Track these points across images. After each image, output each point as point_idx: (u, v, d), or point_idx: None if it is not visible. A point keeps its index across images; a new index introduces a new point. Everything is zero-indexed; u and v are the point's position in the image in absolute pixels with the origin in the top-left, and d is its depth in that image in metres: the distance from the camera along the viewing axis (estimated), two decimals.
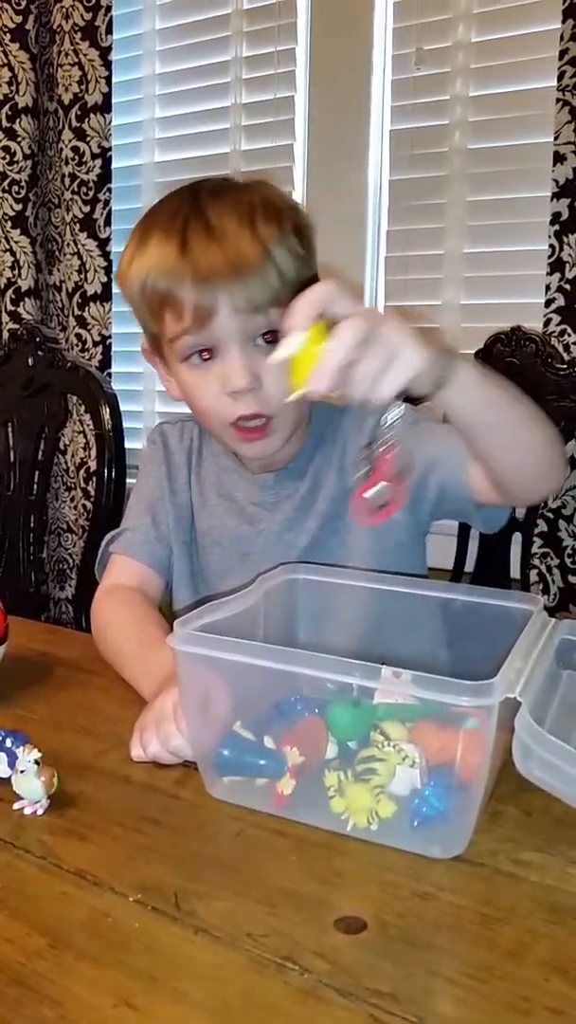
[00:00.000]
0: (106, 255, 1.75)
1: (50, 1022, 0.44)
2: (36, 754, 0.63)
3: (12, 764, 0.64)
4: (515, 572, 1.20)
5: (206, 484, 0.96)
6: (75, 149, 1.75)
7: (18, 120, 1.78)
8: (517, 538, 1.19)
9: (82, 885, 0.55)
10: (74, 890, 0.54)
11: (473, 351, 1.18)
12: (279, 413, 0.84)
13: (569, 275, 1.27)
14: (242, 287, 0.80)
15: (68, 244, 1.79)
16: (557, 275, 1.28)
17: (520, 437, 0.73)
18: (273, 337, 0.82)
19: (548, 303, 1.29)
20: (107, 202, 1.74)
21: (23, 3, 1.75)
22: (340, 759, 0.62)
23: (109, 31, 1.69)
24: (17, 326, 1.78)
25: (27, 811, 0.62)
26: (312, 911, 0.52)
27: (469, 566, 1.21)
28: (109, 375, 1.77)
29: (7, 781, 0.64)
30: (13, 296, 1.83)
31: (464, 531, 1.21)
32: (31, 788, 0.62)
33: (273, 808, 0.62)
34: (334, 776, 0.60)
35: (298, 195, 1.63)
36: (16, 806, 0.63)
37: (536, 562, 1.28)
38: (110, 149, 1.73)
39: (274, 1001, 0.45)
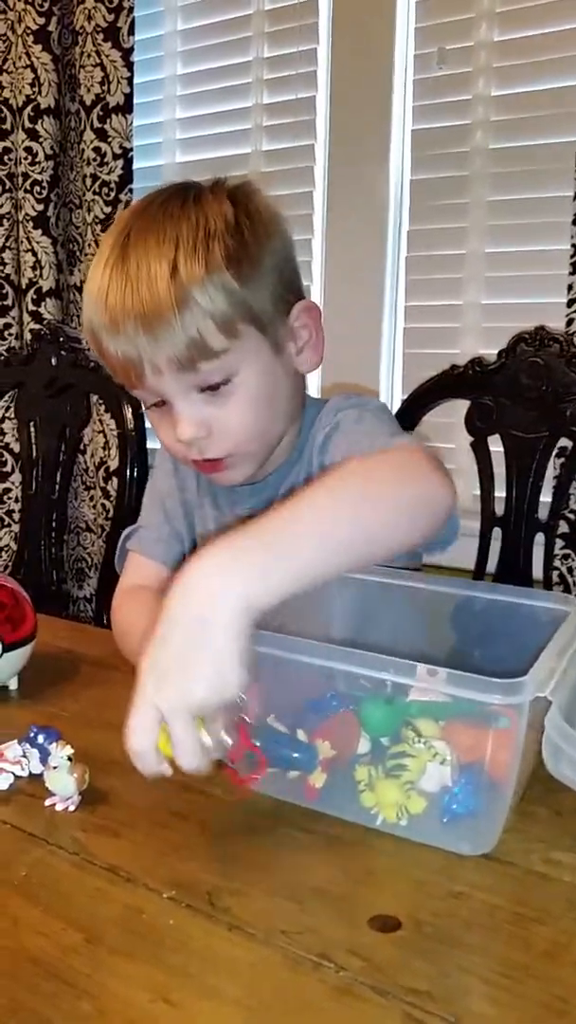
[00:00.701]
0: None
1: (87, 1016, 0.44)
2: (68, 750, 0.63)
3: (45, 760, 0.65)
4: (537, 573, 1.19)
5: (202, 487, 0.96)
6: (96, 150, 1.75)
7: (40, 121, 1.79)
8: (540, 539, 1.19)
9: (115, 881, 0.55)
10: (107, 886, 0.55)
11: (496, 351, 1.17)
12: (238, 451, 0.82)
13: None
14: (157, 347, 0.75)
15: (89, 244, 1.79)
16: None
17: (397, 522, 0.65)
18: (217, 386, 0.78)
19: (571, 303, 1.29)
20: (128, 203, 1.74)
21: (46, 5, 1.76)
22: (372, 755, 0.62)
23: (131, 32, 1.70)
24: (39, 326, 1.80)
25: (59, 807, 0.63)
26: (345, 909, 0.52)
27: (491, 567, 1.21)
28: None
29: (39, 777, 0.65)
30: (35, 296, 1.84)
31: (486, 532, 1.21)
32: (64, 784, 0.62)
33: (304, 801, 0.62)
34: (364, 771, 0.60)
35: (319, 195, 1.63)
36: (48, 802, 0.63)
37: (558, 563, 1.27)
38: (131, 150, 1.74)
39: (310, 999, 0.45)
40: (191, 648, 0.55)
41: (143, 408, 0.85)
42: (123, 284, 0.75)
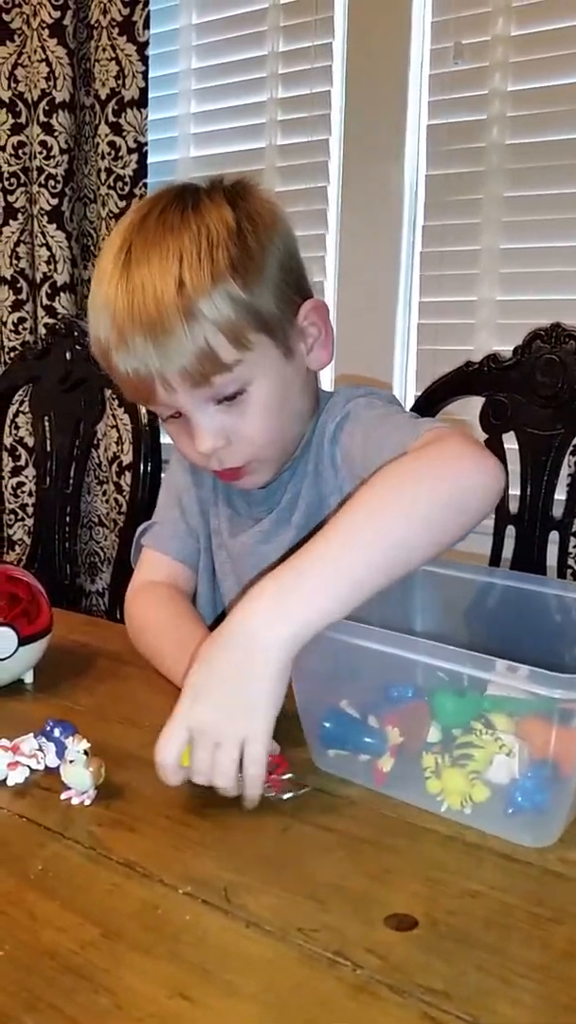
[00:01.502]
0: None
1: (105, 1011, 0.44)
2: (85, 744, 0.63)
3: (61, 754, 0.65)
4: (551, 571, 1.19)
5: (218, 485, 0.96)
6: (111, 144, 1.75)
7: (55, 115, 1.79)
8: (554, 537, 1.18)
9: (132, 876, 0.55)
10: (124, 881, 0.55)
11: (511, 348, 1.17)
12: (257, 458, 0.83)
13: None
14: (168, 363, 0.75)
15: (103, 239, 1.79)
16: None
17: (420, 533, 0.66)
18: (233, 396, 0.78)
19: None
20: (143, 197, 1.74)
21: None
22: (442, 744, 0.63)
23: (146, 26, 1.69)
24: (53, 320, 1.80)
25: (75, 801, 0.63)
26: (362, 907, 0.52)
27: (504, 565, 1.20)
28: None
29: (55, 771, 0.65)
30: (49, 291, 1.84)
31: (500, 529, 1.21)
32: (80, 778, 0.62)
33: (374, 784, 0.64)
34: (431, 758, 0.61)
35: (333, 190, 1.63)
36: (64, 796, 0.64)
37: (572, 561, 1.27)
38: (146, 144, 1.74)
39: (327, 996, 0.45)
40: (232, 678, 0.61)
41: (159, 421, 0.85)
42: (129, 303, 0.75)
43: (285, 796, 0.64)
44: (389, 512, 0.65)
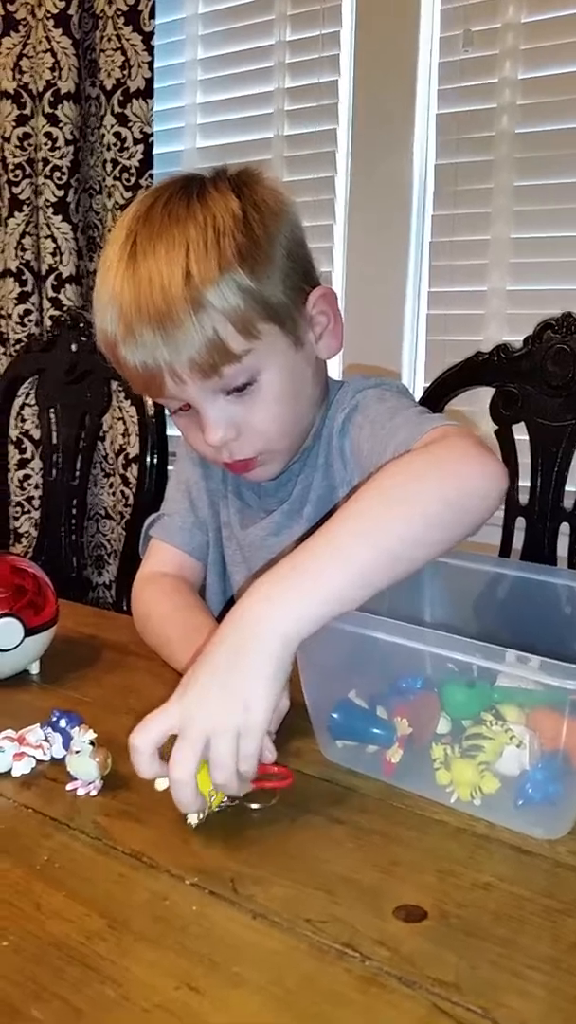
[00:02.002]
0: None
1: (112, 1002, 0.44)
2: (91, 735, 0.63)
3: (67, 744, 0.65)
4: (562, 563, 1.18)
5: (228, 477, 0.95)
6: (117, 135, 1.74)
7: (60, 106, 1.78)
8: (564, 528, 1.18)
9: (138, 867, 0.55)
10: (131, 872, 0.54)
11: (521, 337, 1.16)
12: (268, 449, 0.82)
13: None
14: (177, 354, 0.74)
15: (109, 230, 1.79)
16: None
17: (422, 532, 0.64)
18: (243, 387, 0.77)
19: None
20: (148, 188, 1.73)
21: None
22: (451, 735, 0.63)
23: (152, 16, 1.68)
24: (59, 312, 1.79)
25: (81, 792, 0.63)
26: (371, 899, 0.51)
27: (514, 556, 1.20)
28: None
29: (61, 762, 0.65)
30: (55, 282, 1.83)
31: (510, 520, 1.20)
32: (86, 768, 0.62)
33: (383, 775, 0.64)
34: (441, 749, 0.61)
35: (341, 180, 1.62)
36: (70, 787, 0.63)
37: None
38: (152, 135, 1.73)
39: (336, 988, 0.45)
40: (226, 668, 0.59)
41: (168, 414, 0.84)
42: (136, 295, 0.74)
43: (254, 805, 0.61)
44: (392, 510, 0.64)
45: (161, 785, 0.58)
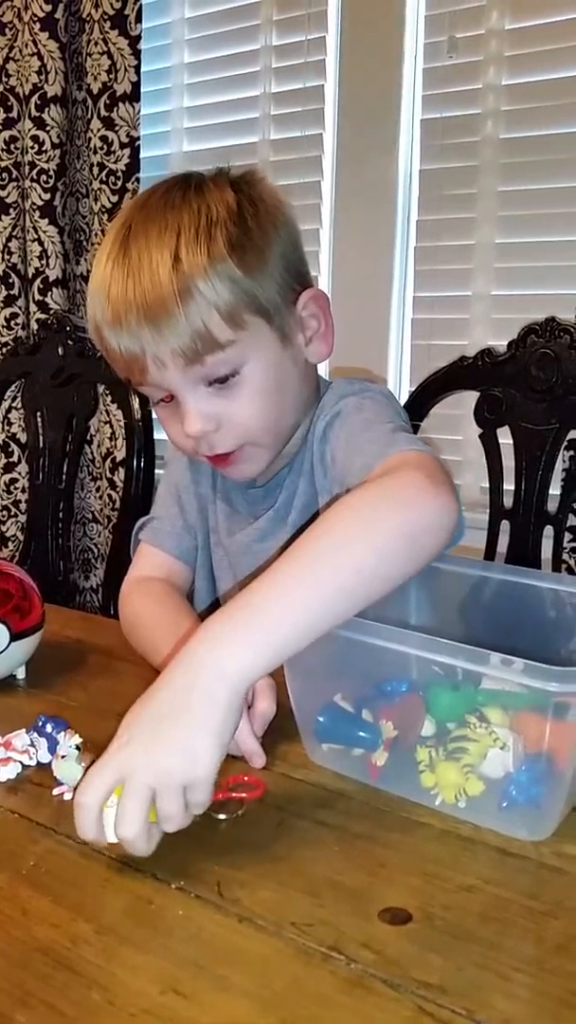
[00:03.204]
0: None
1: (98, 1007, 0.44)
2: (77, 740, 0.63)
3: (53, 749, 0.65)
4: (546, 566, 1.19)
5: (217, 483, 0.95)
6: (103, 138, 1.74)
7: (47, 109, 1.78)
8: (549, 531, 1.18)
9: (124, 871, 0.55)
10: (116, 876, 0.54)
11: (506, 341, 1.16)
12: (250, 442, 0.81)
13: None
14: (161, 340, 0.73)
15: (96, 234, 1.79)
16: None
17: (394, 561, 0.63)
18: (225, 379, 0.77)
19: None
20: (135, 192, 1.73)
21: None
22: (436, 738, 0.63)
23: (138, 20, 1.69)
24: (46, 316, 1.79)
25: (67, 796, 0.62)
26: (356, 902, 0.52)
27: (499, 559, 1.20)
28: None
29: (47, 767, 0.65)
30: (41, 286, 1.83)
31: (494, 524, 1.20)
32: (72, 773, 0.62)
33: (368, 778, 0.64)
34: (425, 752, 0.61)
35: (327, 185, 1.62)
36: (56, 791, 0.63)
37: (567, 556, 1.27)
38: (138, 138, 1.73)
39: (322, 991, 0.45)
40: (170, 715, 0.55)
41: (150, 404, 0.84)
42: (125, 277, 0.74)
43: (220, 816, 0.59)
44: (342, 547, 0.62)
45: (111, 838, 0.54)
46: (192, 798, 0.55)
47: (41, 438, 1.42)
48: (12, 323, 1.90)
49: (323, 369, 1.50)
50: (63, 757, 0.63)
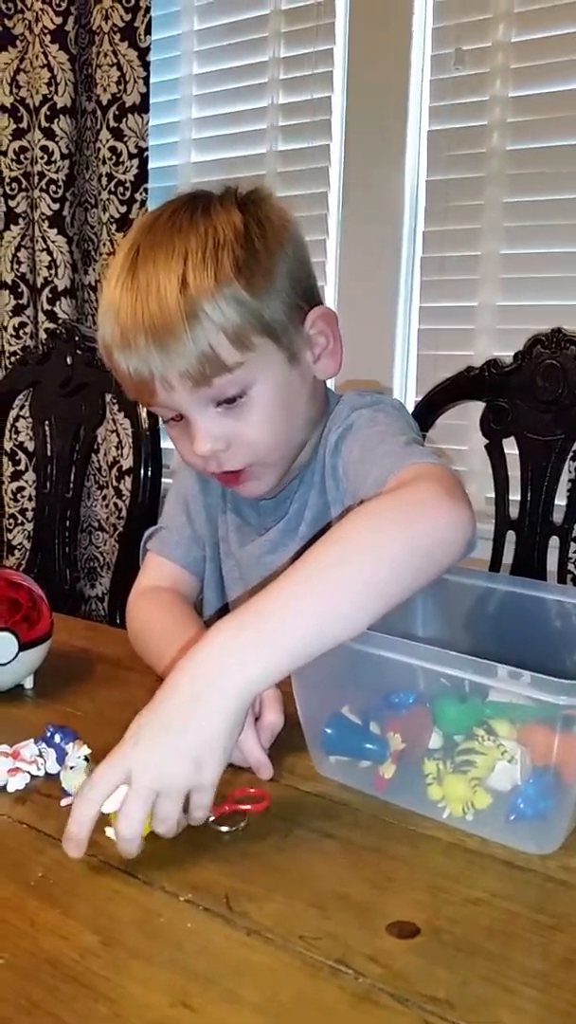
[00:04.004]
0: None
1: (106, 1019, 0.44)
2: (86, 750, 0.63)
3: (61, 760, 0.65)
4: (552, 577, 1.19)
5: (226, 493, 0.95)
6: (112, 149, 1.75)
7: (56, 120, 1.79)
8: (554, 542, 1.18)
9: (132, 883, 0.55)
10: (124, 888, 0.54)
11: (511, 352, 1.17)
12: (258, 462, 0.82)
13: None
14: (169, 363, 0.74)
15: (104, 244, 1.80)
16: None
17: (387, 581, 0.62)
18: (233, 399, 0.77)
19: None
20: (143, 202, 1.74)
21: (63, 4, 1.76)
22: (443, 750, 0.63)
23: (148, 32, 1.70)
24: (54, 325, 1.80)
25: None
26: (363, 915, 0.52)
27: (504, 570, 1.20)
28: None
29: (55, 777, 0.65)
30: (50, 295, 1.84)
31: (500, 535, 1.21)
32: (80, 784, 0.62)
33: (375, 790, 0.64)
34: (433, 765, 0.61)
35: (334, 196, 1.63)
36: (64, 802, 0.63)
37: (572, 567, 1.27)
38: (147, 149, 1.74)
39: (329, 1004, 0.45)
40: (179, 721, 0.57)
41: (160, 423, 0.84)
42: (133, 301, 0.75)
43: (223, 828, 0.60)
44: (356, 556, 0.62)
45: (109, 833, 0.57)
46: (195, 800, 0.57)
47: (49, 447, 1.43)
48: (21, 332, 1.91)
49: (330, 381, 1.51)
50: (71, 768, 0.63)
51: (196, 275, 0.73)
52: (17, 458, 1.92)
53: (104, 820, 0.59)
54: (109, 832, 0.57)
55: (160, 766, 0.56)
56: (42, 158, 1.81)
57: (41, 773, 0.67)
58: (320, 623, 0.60)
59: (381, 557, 0.62)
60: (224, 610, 0.98)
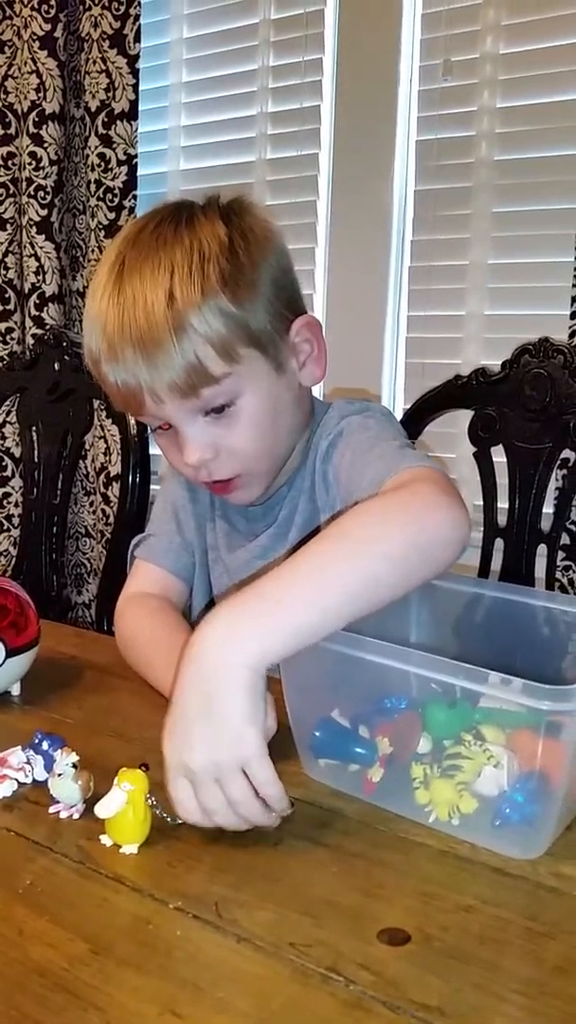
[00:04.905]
0: None
1: None
2: (73, 757, 0.63)
3: (49, 767, 0.64)
4: (539, 584, 1.19)
5: (215, 499, 0.95)
6: (101, 156, 1.75)
7: (45, 126, 1.79)
8: (542, 550, 1.19)
9: (121, 891, 0.54)
10: (113, 896, 0.54)
11: (499, 361, 1.17)
12: (247, 470, 0.82)
13: None
14: (156, 375, 0.75)
15: (92, 250, 1.80)
16: None
17: (387, 572, 0.63)
18: (221, 408, 0.78)
19: (575, 315, 1.29)
20: (132, 209, 1.74)
21: (52, 11, 1.76)
22: (432, 755, 0.63)
23: (137, 39, 1.70)
24: (42, 331, 1.80)
25: (63, 815, 0.62)
26: (354, 922, 0.51)
27: (493, 577, 1.21)
28: None
29: (43, 784, 0.64)
30: (37, 301, 1.84)
31: (488, 542, 1.21)
32: (68, 791, 0.62)
33: (363, 794, 0.64)
34: (420, 769, 0.61)
35: (323, 204, 1.64)
36: (52, 809, 0.63)
37: (560, 575, 1.27)
38: (136, 156, 1.74)
39: (320, 1013, 0.45)
40: (203, 715, 0.58)
41: (149, 432, 0.84)
42: (120, 314, 0.75)
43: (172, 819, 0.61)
44: (358, 547, 0.63)
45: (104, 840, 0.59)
46: (257, 775, 0.57)
47: (36, 453, 1.42)
48: (8, 338, 1.91)
49: (319, 390, 1.51)
50: (59, 775, 0.62)
51: (183, 288, 0.74)
52: (3, 464, 1.91)
53: (99, 828, 0.59)
54: (104, 839, 0.56)
55: (207, 757, 0.57)
56: (30, 164, 1.81)
57: (29, 780, 0.66)
58: (323, 604, 0.61)
59: (380, 554, 0.63)
60: None
